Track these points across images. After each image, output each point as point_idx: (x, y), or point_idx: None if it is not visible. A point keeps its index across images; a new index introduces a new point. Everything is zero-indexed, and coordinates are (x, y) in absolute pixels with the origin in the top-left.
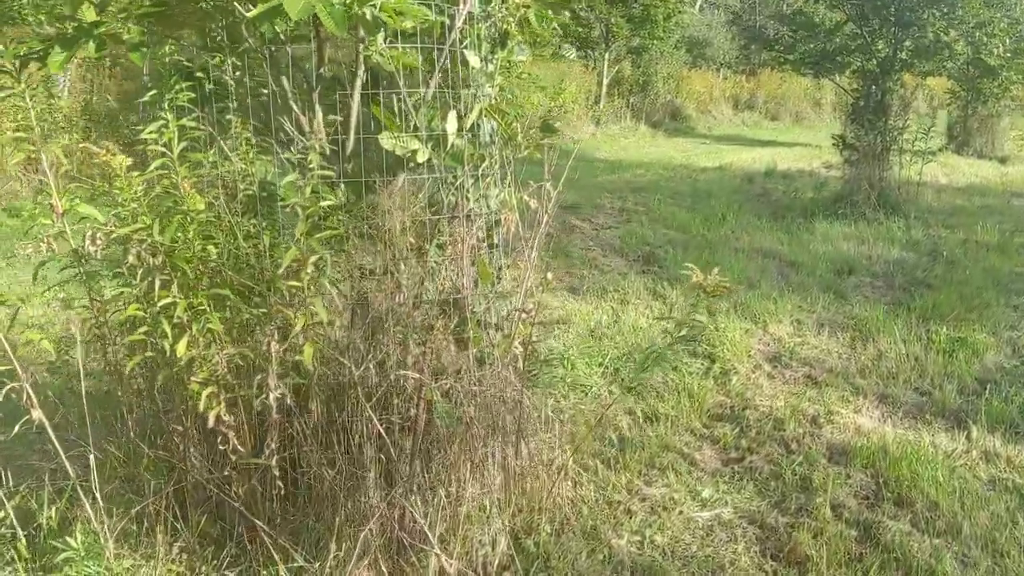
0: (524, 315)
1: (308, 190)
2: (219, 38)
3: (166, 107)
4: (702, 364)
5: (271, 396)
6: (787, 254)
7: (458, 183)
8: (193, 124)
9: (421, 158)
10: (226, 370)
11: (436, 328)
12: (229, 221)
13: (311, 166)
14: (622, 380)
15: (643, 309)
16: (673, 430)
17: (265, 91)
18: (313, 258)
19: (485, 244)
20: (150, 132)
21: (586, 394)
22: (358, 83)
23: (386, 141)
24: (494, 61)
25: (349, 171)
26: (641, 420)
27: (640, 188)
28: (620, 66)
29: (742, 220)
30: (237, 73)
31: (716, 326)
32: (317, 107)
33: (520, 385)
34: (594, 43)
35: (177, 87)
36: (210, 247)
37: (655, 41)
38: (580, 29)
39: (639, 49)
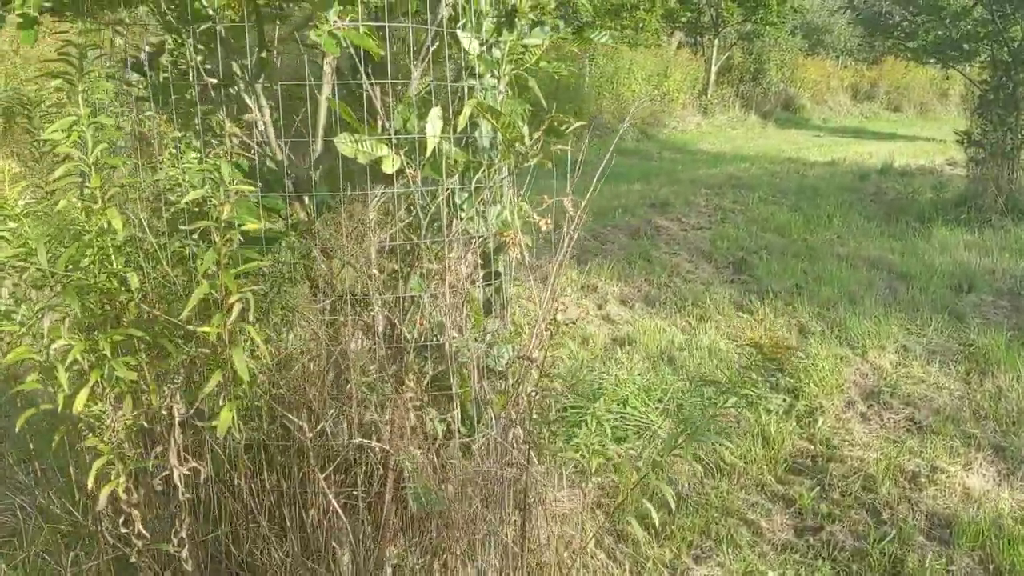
0: (529, 363)
1: (224, 210)
2: (171, 16)
3: (80, 101)
4: (783, 400)
5: (175, 473)
6: (898, 264)
7: (440, 198)
8: (111, 122)
9: (389, 167)
10: (122, 437)
11: (406, 383)
12: (152, 243)
13: (226, 179)
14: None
15: (725, 327)
16: (739, 485)
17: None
18: (233, 299)
19: (482, 273)
20: (53, 132)
21: (639, 436)
22: (326, 71)
23: (344, 145)
24: (501, 45)
25: (317, 180)
26: (702, 472)
27: (741, 184)
28: (730, 53)
29: (850, 223)
30: (199, 58)
31: (806, 352)
32: (261, 100)
33: (527, 447)
34: (703, 28)
35: (93, 75)
36: (132, 275)
37: (768, 27)
38: (688, 14)
39: (751, 35)
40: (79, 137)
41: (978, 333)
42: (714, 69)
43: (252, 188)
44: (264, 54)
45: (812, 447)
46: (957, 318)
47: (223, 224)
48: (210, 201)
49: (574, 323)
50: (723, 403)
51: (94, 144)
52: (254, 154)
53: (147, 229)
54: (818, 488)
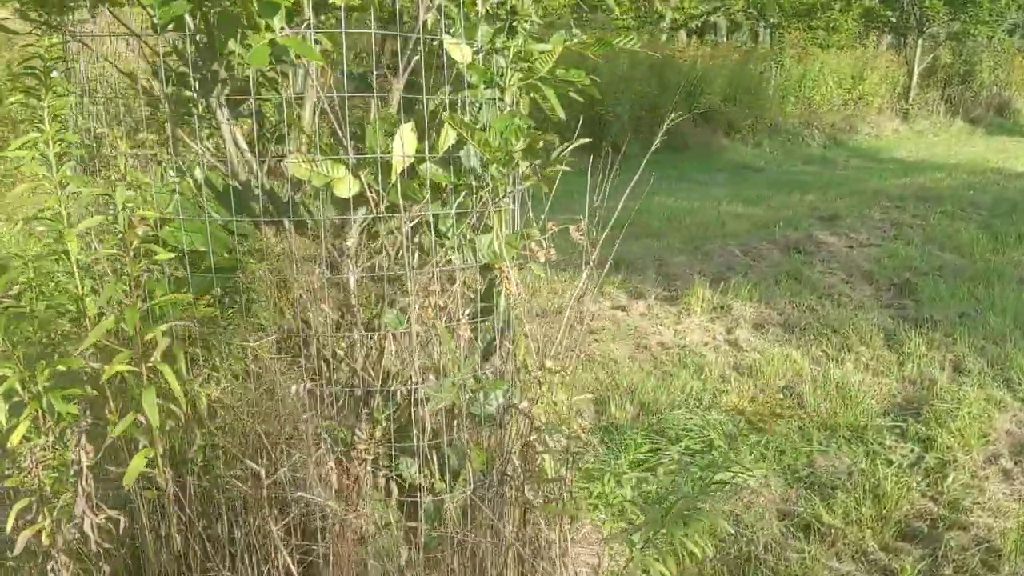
0: (517, 411)
1: (132, 236)
2: None
3: (45, 116)
4: (911, 451)
5: (86, 523)
6: None
7: (406, 226)
8: (75, 138)
9: (343, 192)
10: (43, 478)
11: (356, 434)
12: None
13: (118, 204)
14: (792, 477)
15: (866, 359)
16: (832, 551)
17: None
18: (150, 335)
19: (467, 311)
20: (16, 149)
21: (739, 489)
22: (305, 80)
23: (296, 167)
24: (506, 53)
25: (297, 203)
26: (792, 527)
27: (928, 196)
28: (936, 54)
29: None
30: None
31: (948, 390)
32: (220, 114)
33: (519, 513)
34: (907, 28)
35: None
36: (78, 302)
37: (979, 25)
38: (890, 12)
39: (959, 35)
40: (42, 155)
41: None
42: (917, 71)
43: (153, 214)
44: (217, 66)
45: (935, 508)
46: None
47: (131, 252)
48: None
49: (559, 371)
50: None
51: (58, 164)
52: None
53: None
54: (929, 559)
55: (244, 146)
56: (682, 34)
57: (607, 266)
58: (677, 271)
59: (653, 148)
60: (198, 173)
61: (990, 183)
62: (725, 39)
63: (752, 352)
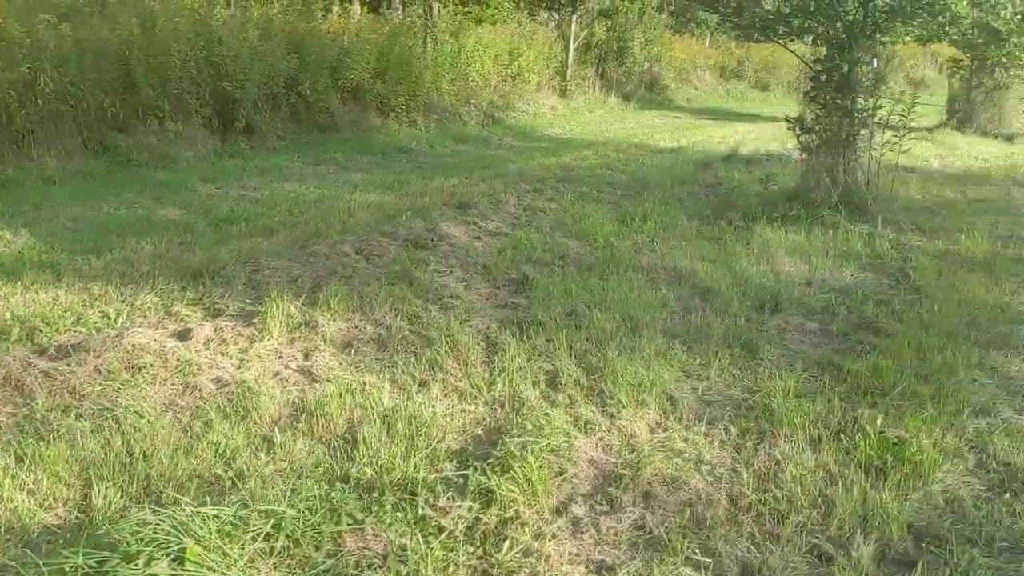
0: None
1: None
2: None
3: None
4: (469, 508)
5: None
6: (704, 277)
7: None
8: None
9: None
10: None
11: None
12: None
13: None
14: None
15: (455, 381)
16: None
17: None
18: None
19: None
20: None
21: None
22: None
23: None
24: None
25: None
26: None
27: (570, 176)
28: (591, 30)
29: (669, 223)
30: None
31: (534, 413)
32: None
33: None
34: (562, 4)
35: None
36: None
37: (628, 2)
38: None
39: (609, 11)
40: None
41: (769, 374)
42: (572, 47)
43: None
44: None
45: None
46: (750, 351)
47: None
48: None
49: None
50: None
51: None
52: None
53: None
54: None
55: None
56: (355, 7)
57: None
58: (270, 279)
59: (280, 129)
60: None
61: (632, 160)
62: (401, 13)
63: (326, 382)
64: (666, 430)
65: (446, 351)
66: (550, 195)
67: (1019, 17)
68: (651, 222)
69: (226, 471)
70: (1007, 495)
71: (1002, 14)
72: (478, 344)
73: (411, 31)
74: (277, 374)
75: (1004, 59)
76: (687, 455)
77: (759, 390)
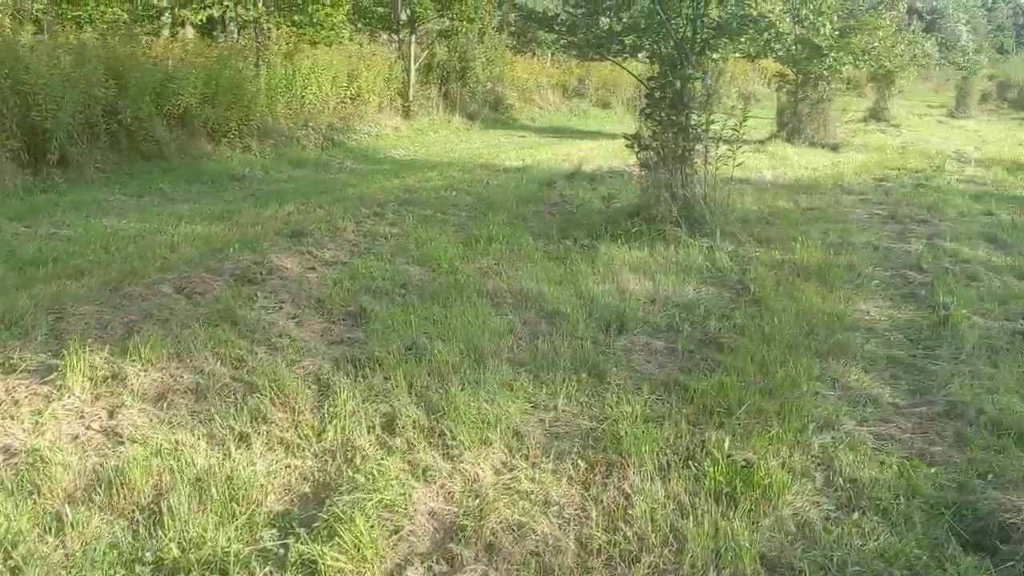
0: None
1: None
2: None
3: None
4: None
5: None
6: (550, 299)
7: None
8: None
9: None
10: None
11: None
12: None
13: None
14: None
15: (281, 431)
16: None
17: None
18: None
19: None
20: None
21: None
22: None
23: None
24: None
25: None
26: None
27: (413, 200)
28: (432, 51)
29: (514, 244)
30: None
31: (368, 464)
32: None
33: None
34: (400, 25)
35: None
36: None
37: (467, 23)
38: (381, 9)
39: (448, 32)
40: None
41: (616, 400)
42: (414, 68)
43: None
44: None
45: None
46: (598, 376)
47: None
48: None
49: None
50: None
51: None
52: None
53: None
54: None
55: None
56: (187, 31)
57: None
58: (75, 327)
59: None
60: None
61: (477, 180)
62: (237, 36)
63: (132, 444)
64: (512, 470)
65: (271, 398)
66: (392, 219)
67: (837, 33)
68: (496, 244)
69: (5, 563)
70: (855, 514)
71: (821, 31)
72: (308, 388)
73: (242, 54)
74: (76, 437)
75: (826, 72)
76: (534, 496)
77: (607, 417)
